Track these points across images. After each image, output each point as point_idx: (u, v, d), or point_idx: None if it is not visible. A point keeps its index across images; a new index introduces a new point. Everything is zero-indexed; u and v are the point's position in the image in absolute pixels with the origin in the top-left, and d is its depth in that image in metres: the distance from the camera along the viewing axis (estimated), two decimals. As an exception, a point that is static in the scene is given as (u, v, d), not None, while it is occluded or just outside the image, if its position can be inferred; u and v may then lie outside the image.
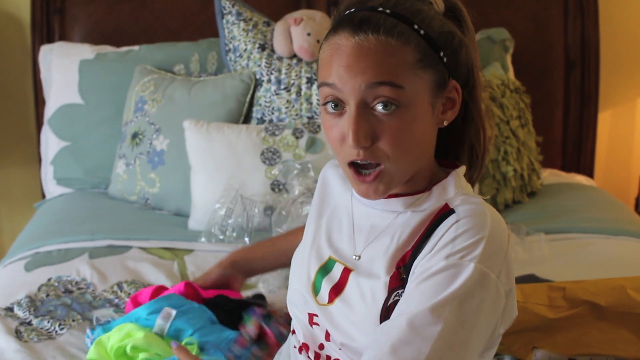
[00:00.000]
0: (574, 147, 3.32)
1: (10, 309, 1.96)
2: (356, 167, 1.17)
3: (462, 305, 1.08)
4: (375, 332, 1.13)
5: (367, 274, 1.21)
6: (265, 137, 2.54)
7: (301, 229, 1.71)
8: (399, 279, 1.17)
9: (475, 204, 1.16)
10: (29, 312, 1.93)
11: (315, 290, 1.27)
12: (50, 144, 2.93)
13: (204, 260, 2.27)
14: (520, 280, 2.09)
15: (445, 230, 1.14)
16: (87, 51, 2.93)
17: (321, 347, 1.28)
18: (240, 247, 1.81)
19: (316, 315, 1.27)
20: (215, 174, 2.52)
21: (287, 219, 2.32)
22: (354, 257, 1.25)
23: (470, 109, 1.26)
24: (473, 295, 1.09)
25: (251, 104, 2.74)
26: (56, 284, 2.10)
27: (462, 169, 1.25)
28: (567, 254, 2.32)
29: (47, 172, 2.95)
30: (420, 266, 1.14)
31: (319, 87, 1.17)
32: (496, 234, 1.13)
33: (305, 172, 2.44)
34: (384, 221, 1.23)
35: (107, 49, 2.97)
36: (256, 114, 2.73)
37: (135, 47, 2.96)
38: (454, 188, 1.20)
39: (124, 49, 2.97)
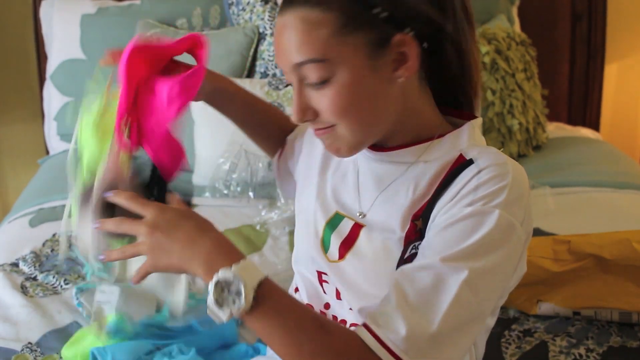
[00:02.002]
0: (580, 101, 3.30)
1: (15, 265, 1.96)
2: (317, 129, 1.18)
3: (488, 252, 1.06)
4: (393, 279, 1.08)
5: (379, 229, 1.18)
6: (268, 91, 2.52)
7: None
8: (415, 231, 1.15)
9: (494, 154, 1.14)
10: (34, 267, 1.94)
11: (325, 246, 1.25)
12: (53, 99, 2.92)
13: (209, 214, 2.25)
14: (525, 233, 2.10)
15: (467, 180, 1.11)
16: (88, 5, 2.91)
17: (327, 306, 1.26)
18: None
19: (325, 274, 1.25)
20: (218, 129, 2.51)
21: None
22: (358, 214, 1.23)
23: (454, 55, 1.20)
24: (498, 243, 1.07)
25: (254, 58, 2.73)
26: (60, 239, 2.10)
27: (478, 121, 1.23)
28: (573, 208, 2.31)
29: (51, 128, 2.95)
30: (440, 215, 1.11)
31: None
32: (518, 182, 1.11)
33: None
34: (392, 173, 1.21)
35: (109, 3, 2.95)
36: (259, 68, 2.71)
37: (137, 1, 2.93)
38: (467, 139, 1.18)
39: (126, 2, 2.95)
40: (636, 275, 1.69)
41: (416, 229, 1.14)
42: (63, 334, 1.66)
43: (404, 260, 1.13)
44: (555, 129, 3.04)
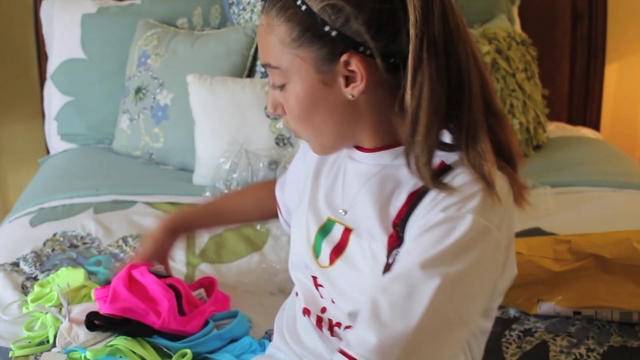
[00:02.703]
0: (580, 100, 3.30)
1: (16, 264, 1.96)
2: None
3: (461, 257, 1.05)
4: (372, 290, 1.09)
5: (366, 233, 1.18)
6: (269, 91, 2.52)
7: (249, 190, 1.76)
8: (397, 238, 1.14)
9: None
10: (35, 267, 1.94)
11: (316, 252, 1.26)
12: (54, 99, 2.92)
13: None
14: (526, 233, 2.10)
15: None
16: (89, 5, 2.91)
17: (323, 310, 1.27)
18: (179, 210, 1.76)
19: (317, 278, 1.26)
20: (219, 129, 2.51)
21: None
22: (340, 211, 1.24)
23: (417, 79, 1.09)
24: (472, 248, 1.05)
25: (255, 58, 2.72)
26: (61, 239, 2.10)
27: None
28: (573, 207, 2.31)
29: (51, 128, 2.95)
30: (417, 221, 1.11)
31: None
32: (498, 187, 1.10)
33: (309, 126, 2.42)
34: (373, 175, 1.21)
35: (109, 2, 2.95)
36: (260, 67, 2.71)
37: (138, 1, 2.93)
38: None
39: (126, 2, 2.94)
40: (637, 274, 1.69)
41: (397, 235, 1.14)
42: (64, 334, 1.66)
43: (388, 266, 1.13)
44: (556, 129, 3.03)
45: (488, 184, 1.08)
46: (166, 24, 2.86)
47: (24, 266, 1.95)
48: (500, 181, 1.12)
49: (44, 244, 2.07)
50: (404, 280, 1.05)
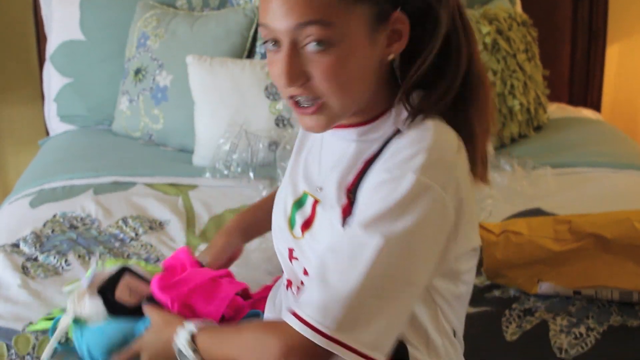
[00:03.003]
0: (581, 81, 3.29)
1: (16, 245, 1.96)
2: (297, 101, 1.14)
3: (403, 217, 1.05)
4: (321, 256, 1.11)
5: (327, 205, 1.19)
6: (269, 72, 2.51)
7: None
8: (349, 205, 1.15)
9: (422, 122, 1.12)
10: (35, 248, 1.94)
11: (291, 224, 1.26)
12: (53, 80, 2.91)
13: (209, 195, 2.27)
14: (526, 213, 2.10)
15: (390, 150, 1.12)
16: (87, -14, 2.90)
17: (302, 283, 1.27)
18: (238, 214, 1.67)
19: (293, 250, 1.27)
20: (219, 110, 2.50)
21: (291, 154, 2.31)
22: (317, 188, 1.23)
23: (434, 40, 1.16)
24: (414, 207, 1.05)
25: (255, 39, 2.72)
26: (61, 220, 2.10)
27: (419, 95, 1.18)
28: (573, 188, 2.31)
29: (51, 109, 2.94)
30: (366, 186, 1.12)
31: (259, 25, 1.15)
32: (440, 145, 1.10)
33: (309, 107, 2.42)
34: (341, 150, 1.21)
35: (108, -17, 2.94)
36: (260, 48, 2.70)
37: (137, -18, 2.92)
38: (406, 112, 1.16)
39: (125, -17, 2.93)
40: (637, 254, 1.69)
41: (350, 202, 1.15)
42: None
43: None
44: (557, 110, 3.03)
45: (432, 143, 1.08)
46: (165, 4, 2.85)
47: (24, 247, 1.95)
48: (449, 139, 1.12)
49: (44, 225, 2.07)
50: (348, 241, 1.07)
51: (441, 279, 1.17)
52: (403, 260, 1.06)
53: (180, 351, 1.22)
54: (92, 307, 1.44)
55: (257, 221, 1.66)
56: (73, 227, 2.07)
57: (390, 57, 1.15)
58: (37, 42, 3.16)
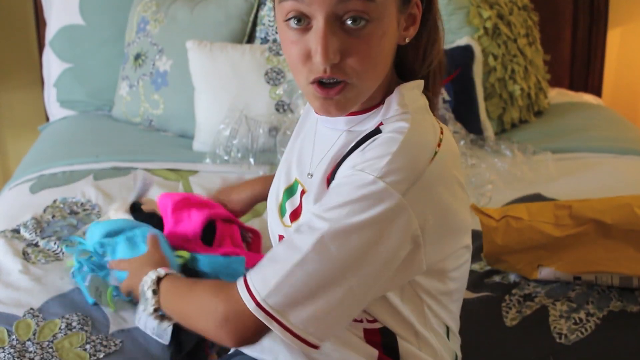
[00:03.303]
0: (582, 66, 3.28)
1: (16, 231, 1.96)
2: (321, 82, 1.10)
3: (356, 213, 1.05)
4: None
5: (311, 196, 1.18)
6: (269, 57, 2.51)
7: None
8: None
9: (401, 122, 1.11)
10: (35, 233, 1.94)
11: (282, 212, 1.26)
12: (53, 65, 2.91)
13: (209, 180, 2.27)
14: (527, 199, 2.10)
15: (365, 146, 1.12)
16: (87, -30, 2.89)
17: None
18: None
19: (283, 237, 1.26)
20: (219, 95, 2.50)
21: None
22: (307, 175, 1.22)
23: (429, 24, 1.19)
24: (368, 207, 1.05)
25: (255, 24, 2.71)
26: (61, 206, 2.10)
27: (412, 84, 1.18)
28: (574, 173, 2.31)
29: (50, 95, 2.94)
30: (335, 178, 1.13)
31: (279, 1, 1.09)
32: (410, 153, 1.08)
33: (309, 92, 2.41)
34: (331, 140, 1.20)
35: (108, -32, 2.92)
36: (260, 33, 2.69)
37: (136, -34, 2.90)
38: (397, 105, 1.14)
39: (125, -32, 2.92)
40: (637, 240, 1.69)
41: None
42: (65, 300, 1.67)
43: None
44: (557, 95, 3.02)
45: (400, 150, 1.07)
46: (165, -11, 2.84)
47: (24, 233, 1.95)
48: (423, 149, 1.10)
49: (44, 211, 2.07)
50: (302, 222, 1.09)
51: (425, 277, 1.17)
52: (342, 251, 1.05)
53: (142, 289, 1.29)
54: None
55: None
56: (73, 212, 2.07)
57: (407, 40, 1.14)
58: (36, 27, 3.15)
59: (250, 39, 2.71)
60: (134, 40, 2.74)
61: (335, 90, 1.09)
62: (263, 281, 1.07)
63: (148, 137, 2.63)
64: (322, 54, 1.05)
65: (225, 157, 2.39)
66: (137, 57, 2.70)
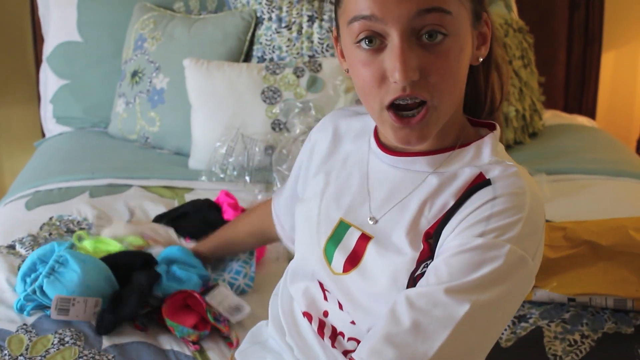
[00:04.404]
0: (576, 88, 3.30)
1: (12, 247, 1.96)
2: (396, 110, 1.04)
3: (493, 286, 1.00)
4: (393, 302, 1.04)
5: (389, 245, 1.10)
6: (266, 76, 2.52)
7: (243, 219, 1.74)
8: (428, 251, 1.08)
9: (514, 177, 1.05)
10: (32, 249, 1.93)
11: (328, 259, 1.17)
12: (50, 82, 2.91)
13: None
14: (521, 220, 2.10)
15: (479, 205, 1.04)
16: (85, -12, 2.89)
17: (325, 314, 1.19)
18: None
19: (324, 283, 1.19)
20: (215, 113, 2.50)
21: (287, 158, 2.31)
22: (369, 220, 1.14)
23: (490, 52, 1.14)
24: (505, 277, 1.01)
25: (252, 43, 2.72)
26: (58, 223, 2.09)
27: (499, 132, 1.14)
28: (568, 195, 2.32)
29: (47, 111, 2.94)
30: (450, 240, 1.05)
31: (348, 23, 1.04)
32: (535, 214, 1.04)
33: (306, 111, 2.42)
34: (408, 183, 1.12)
35: (106, -15, 2.93)
36: (257, 52, 2.70)
37: (134, -16, 2.92)
38: (490, 153, 1.09)
39: (123, -15, 2.93)
40: (632, 262, 1.70)
41: (430, 247, 1.08)
42: (59, 316, 1.66)
43: (414, 278, 1.08)
44: (552, 117, 3.04)
45: (529, 213, 1.03)
46: (163, 7, 2.85)
47: (20, 249, 1.94)
48: (539, 207, 1.06)
49: (41, 228, 2.07)
50: (431, 301, 1.01)
51: None
52: (483, 329, 1.03)
53: None
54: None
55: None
56: (70, 231, 2.06)
57: (480, 59, 1.10)
58: (33, 43, 3.15)
59: (247, 58, 2.72)
60: (131, 57, 2.74)
61: (417, 118, 1.04)
62: None
63: (144, 154, 2.63)
64: (401, 70, 0.99)
65: (221, 175, 2.39)
66: (134, 74, 2.71)
